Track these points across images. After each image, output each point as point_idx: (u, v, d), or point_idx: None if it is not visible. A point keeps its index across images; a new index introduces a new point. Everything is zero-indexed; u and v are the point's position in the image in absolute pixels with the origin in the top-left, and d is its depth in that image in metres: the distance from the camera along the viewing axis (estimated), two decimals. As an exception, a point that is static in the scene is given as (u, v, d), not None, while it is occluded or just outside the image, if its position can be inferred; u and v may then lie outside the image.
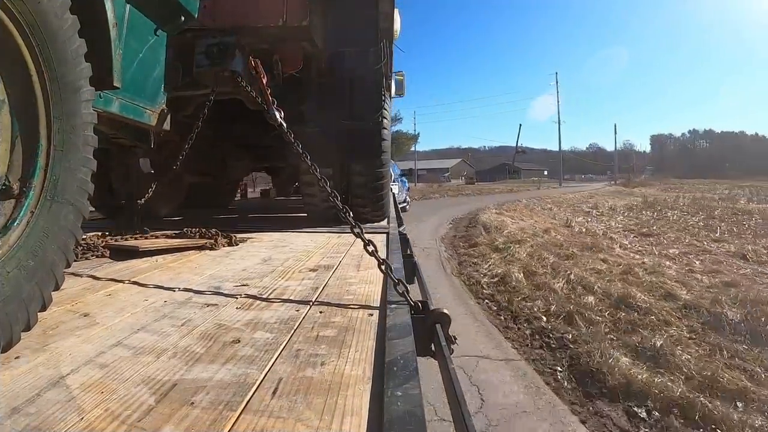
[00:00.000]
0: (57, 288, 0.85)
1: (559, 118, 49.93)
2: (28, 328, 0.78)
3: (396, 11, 2.75)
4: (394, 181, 7.77)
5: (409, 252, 1.87)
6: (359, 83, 2.68)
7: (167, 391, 0.62)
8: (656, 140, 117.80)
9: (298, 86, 2.62)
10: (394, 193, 4.80)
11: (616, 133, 59.89)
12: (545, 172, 69.97)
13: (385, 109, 2.74)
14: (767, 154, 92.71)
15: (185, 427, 0.54)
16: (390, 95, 3.74)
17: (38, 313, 0.81)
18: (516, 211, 13.25)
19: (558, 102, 50.64)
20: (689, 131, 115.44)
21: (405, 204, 13.09)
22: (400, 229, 2.44)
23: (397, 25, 3.10)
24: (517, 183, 44.30)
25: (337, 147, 2.62)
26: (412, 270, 1.62)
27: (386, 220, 2.89)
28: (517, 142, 60.94)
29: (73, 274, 1.35)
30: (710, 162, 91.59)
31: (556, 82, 51.06)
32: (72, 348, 0.78)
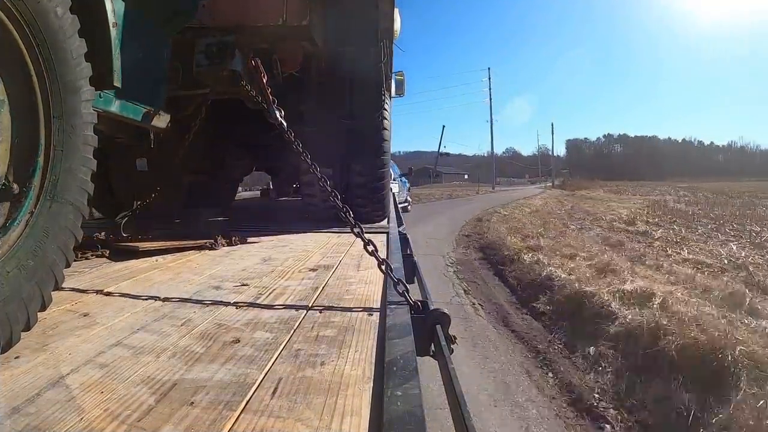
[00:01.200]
0: (57, 288, 0.85)
1: (491, 116, 46.56)
2: (27, 328, 0.78)
3: (396, 11, 2.74)
4: (393, 180, 7.73)
5: (408, 252, 1.87)
6: (359, 83, 2.68)
7: (167, 391, 0.62)
8: (572, 144, 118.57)
9: (298, 86, 2.61)
10: (393, 193, 4.80)
11: (552, 133, 57.70)
12: (466, 176, 67.46)
13: (386, 109, 2.74)
14: (679, 156, 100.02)
15: (185, 426, 0.54)
16: (390, 95, 3.74)
17: (38, 313, 0.81)
18: (554, 239, 7.33)
19: (491, 99, 46.74)
20: (604, 135, 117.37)
21: (406, 204, 13.05)
22: (400, 228, 2.43)
23: (397, 24, 3.09)
24: (444, 187, 41.01)
25: (337, 147, 2.62)
26: (412, 270, 1.62)
27: (386, 220, 2.89)
28: (440, 144, 59.30)
29: (72, 273, 1.35)
30: (626, 165, 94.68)
31: (489, 78, 46.93)
32: (72, 348, 0.78)
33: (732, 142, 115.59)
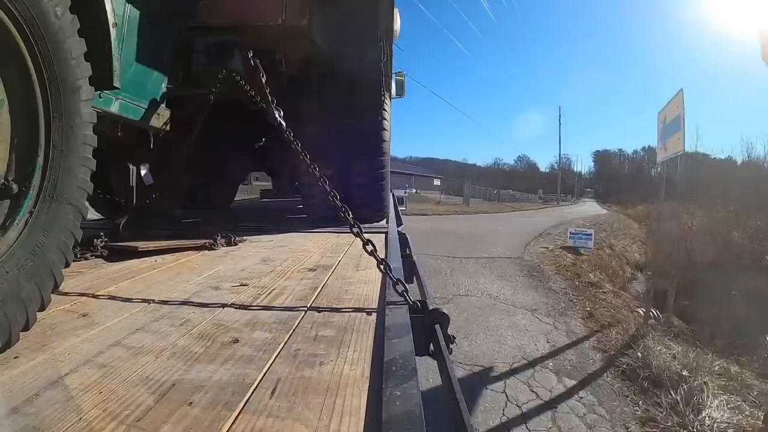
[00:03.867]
0: (56, 288, 0.85)
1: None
2: (27, 328, 0.78)
3: (396, 10, 2.74)
4: None
5: (408, 251, 1.87)
6: (359, 83, 2.68)
7: (166, 391, 0.62)
8: (601, 157, 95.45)
9: (298, 86, 2.61)
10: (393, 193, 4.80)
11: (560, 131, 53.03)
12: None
13: (385, 110, 2.74)
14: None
15: (184, 426, 0.54)
16: (390, 95, 3.74)
17: (37, 313, 0.81)
18: None
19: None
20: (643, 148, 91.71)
21: None
22: (399, 228, 2.43)
23: (397, 24, 3.10)
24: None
25: (337, 147, 2.62)
26: (411, 269, 1.62)
27: (386, 219, 2.89)
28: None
29: (72, 274, 1.35)
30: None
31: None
32: (71, 348, 0.78)
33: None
